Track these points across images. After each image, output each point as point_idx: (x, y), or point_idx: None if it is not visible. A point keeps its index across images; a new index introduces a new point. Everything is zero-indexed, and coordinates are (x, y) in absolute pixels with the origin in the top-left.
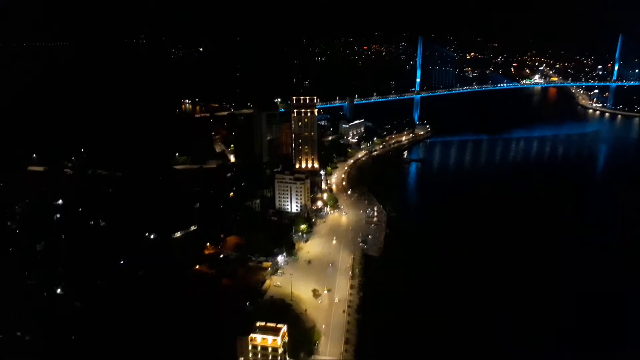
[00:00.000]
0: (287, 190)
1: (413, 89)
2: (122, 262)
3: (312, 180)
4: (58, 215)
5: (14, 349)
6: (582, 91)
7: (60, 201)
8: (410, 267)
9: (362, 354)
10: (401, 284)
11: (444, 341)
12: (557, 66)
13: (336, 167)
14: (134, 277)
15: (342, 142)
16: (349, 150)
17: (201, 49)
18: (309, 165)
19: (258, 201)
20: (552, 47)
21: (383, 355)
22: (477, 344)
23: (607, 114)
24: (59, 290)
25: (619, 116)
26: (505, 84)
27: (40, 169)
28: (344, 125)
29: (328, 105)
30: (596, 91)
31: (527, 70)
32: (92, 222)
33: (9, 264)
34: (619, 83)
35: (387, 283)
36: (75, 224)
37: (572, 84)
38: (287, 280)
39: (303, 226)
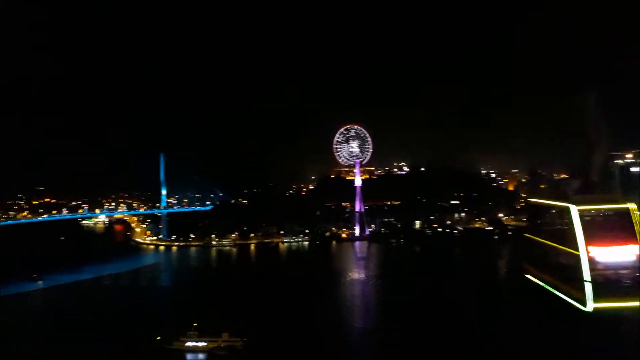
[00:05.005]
0: None
1: None
2: None
3: None
4: None
5: None
6: (139, 224)
7: None
8: None
9: None
10: None
11: None
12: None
13: None
14: None
15: None
16: None
17: None
18: None
19: None
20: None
21: None
22: None
23: (162, 247)
24: None
25: (175, 247)
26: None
27: None
28: None
29: None
30: (149, 221)
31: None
32: None
33: None
34: (171, 209)
35: None
36: None
37: (124, 212)
38: None
39: None
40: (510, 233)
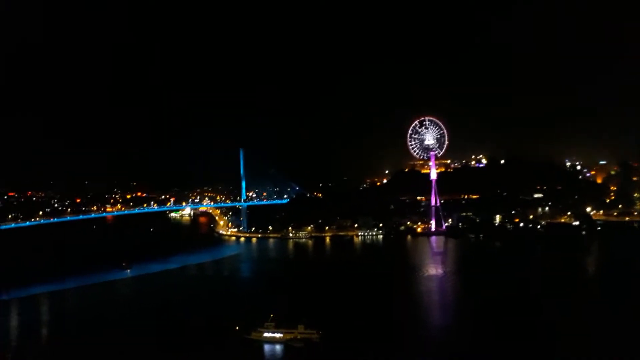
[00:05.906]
0: None
1: None
2: None
3: None
4: None
5: None
6: (222, 216)
7: None
8: None
9: None
10: None
11: None
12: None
13: None
14: None
15: None
16: None
17: None
18: None
19: None
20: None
21: None
22: None
23: (242, 238)
24: None
25: (254, 239)
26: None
27: None
28: None
29: None
30: (230, 214)
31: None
32: None
33: None
34: (251, 202)
35: None
36: None
37: (207, 204)
38: None
39: None
40: (599, 228)
